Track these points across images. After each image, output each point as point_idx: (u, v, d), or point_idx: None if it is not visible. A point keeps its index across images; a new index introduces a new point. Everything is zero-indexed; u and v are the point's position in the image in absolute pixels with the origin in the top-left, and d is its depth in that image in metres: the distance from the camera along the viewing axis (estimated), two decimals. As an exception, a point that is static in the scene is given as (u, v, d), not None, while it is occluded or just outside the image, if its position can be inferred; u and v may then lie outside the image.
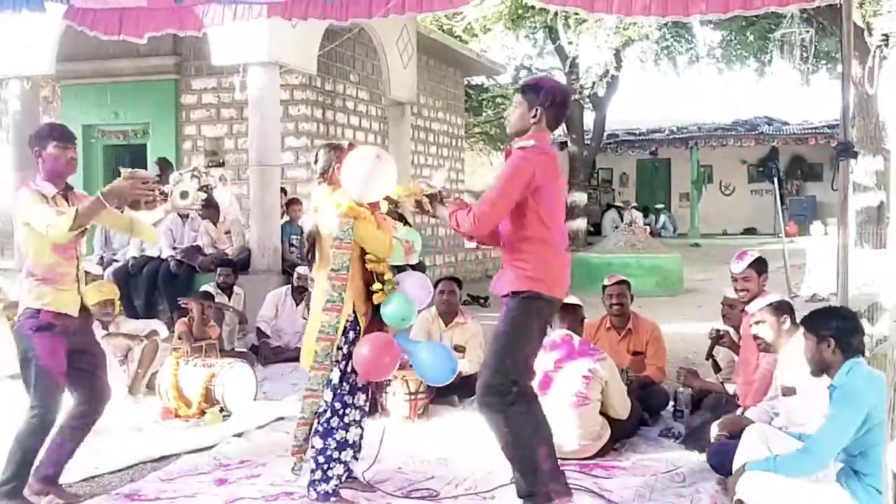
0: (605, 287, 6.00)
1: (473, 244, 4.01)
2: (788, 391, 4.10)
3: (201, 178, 4.36)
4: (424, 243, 13.06)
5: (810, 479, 3.55)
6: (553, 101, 3.69)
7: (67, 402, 4.19)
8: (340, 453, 4.03)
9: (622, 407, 4.98)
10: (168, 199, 4.18)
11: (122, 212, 4.15)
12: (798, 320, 4.10)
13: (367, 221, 3.99)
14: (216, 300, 7.86)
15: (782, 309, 4.31)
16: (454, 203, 3.80)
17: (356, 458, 4.21)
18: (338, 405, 4.03)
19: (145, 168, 12.33)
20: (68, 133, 4.14)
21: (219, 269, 8.16)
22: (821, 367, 3.64)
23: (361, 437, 4.21)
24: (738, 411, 4.49)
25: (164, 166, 10.31)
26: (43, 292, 4.00)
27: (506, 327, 3.63)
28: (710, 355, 5.46)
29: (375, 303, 4.02)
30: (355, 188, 3.95)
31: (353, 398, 4.10)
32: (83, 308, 4.17)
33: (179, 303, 7.09)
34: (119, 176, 3.95)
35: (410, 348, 4.13)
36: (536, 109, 3.67)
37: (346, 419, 4.06)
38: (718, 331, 5.30)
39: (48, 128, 4.20)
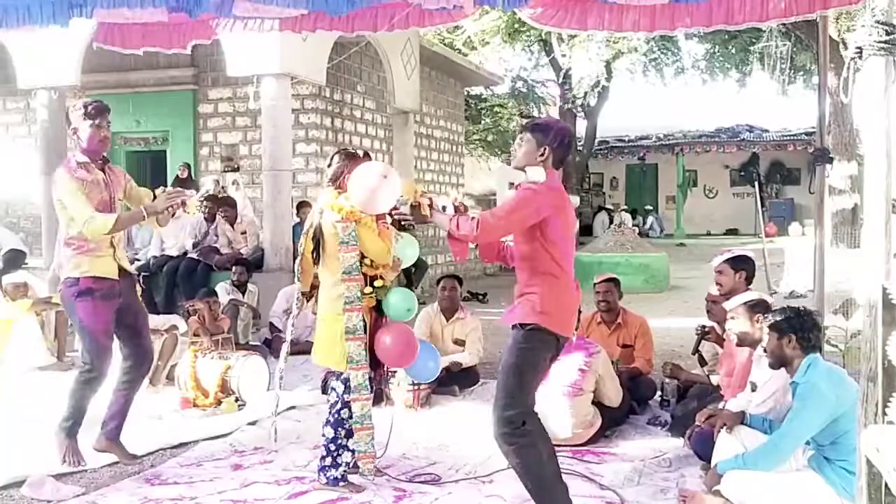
0: (594, 285, 6.00)
1: (455, 257, 3.93)
2: (753, 386, 4.12)
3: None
4: (427, 244, 13.02)
5: (784, 468, 3.57)
6: (560, 143, 3.61)
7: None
8: (348, 441, 4.04)
9: (615, 396, 5.00)
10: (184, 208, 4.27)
11: (160, 224, 4.33)
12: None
13: (368, 227, 3.98)
14: (232, 297, 7.87)
15: (757, 307, 4.31)
16: (458, 213, 3.75)
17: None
18: (347, 397, 4.03)
19: (165, 172, 12.37)
20: (101, 108, 4.20)
21: (234, 268, 8.18)
22: (781, 362, 3.68)
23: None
24: (721, 402, 4.49)
25: (187, 169, 10.46)
26: (80, 261, 4.07)
27: (512, 359, 3.51)
28: (696, 350, 5.44)
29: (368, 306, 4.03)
30: (360, 199, 3.94)
31: None
32: (123, 271, 4.22)
33: (186, 307, 7.09)
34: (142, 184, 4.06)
35: None
36: (544, 149, 3.59)
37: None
38: (704, 327, 5.29)
39: (82, 106, 4.24)
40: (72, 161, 4.13)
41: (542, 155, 3.60)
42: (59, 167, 4.14)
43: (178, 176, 11.38)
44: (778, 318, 3.71)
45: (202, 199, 9.18)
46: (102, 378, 4.21)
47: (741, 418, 3.87)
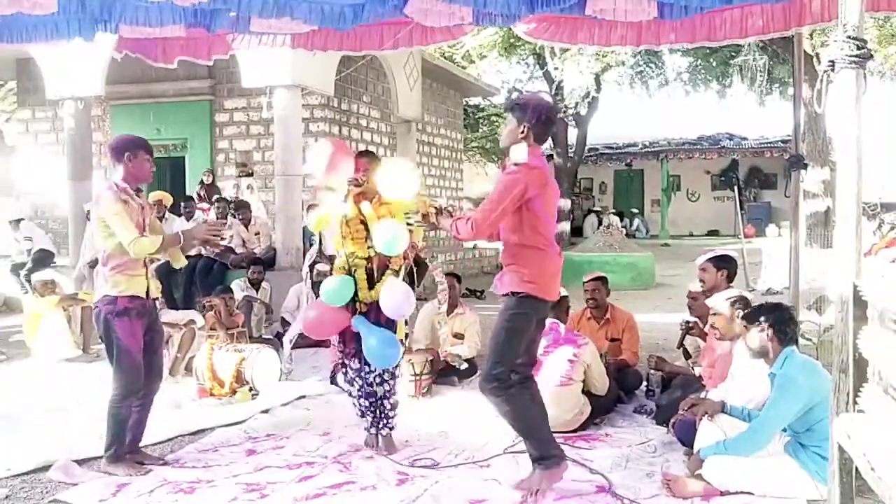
0: (584, 283, 6.00)
1: (471, 244, 4.04)
2: (733, 377, 4.11)
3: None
4: (429, 244, 13.00)
5: (761, 454, 3.57)
6: (539, 118, 3.61)
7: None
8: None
9: (602, 384, 5.00)
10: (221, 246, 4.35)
11: (190, 248, 4.48)
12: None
13: (337, 223, 4.26)
14: (246, 293, 7.87)
15: (738, 303, 4.31)
16: (455, 215, 3.81)
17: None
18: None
19: (184, 177, 12.37)
20: (151, 147, 4.29)
21: (251, 267, 8.18)
22: (760, 353, 3.68)
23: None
24: (703, 392, 4.48)
25: (212, 175, 10.47)
26: (118, 280, 4.04)
27: (503, 324, 3.61)
28: (681, 344, 5.44)
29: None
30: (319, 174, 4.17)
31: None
32: (149, 290, 4.22)
33: (204, 303, 7.09)
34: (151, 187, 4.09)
35: (364, 332, 4.15)
36: (524, 126, 3.60)
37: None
38: (688, 322, 5.28)
39: (139, 140, 4.26)
40: (114, 185, 4.11)
41: (523, 132, 3.60)
42: (104, 189, 4.11)
43: (202, 181, 11.32)
44: (757, 313, 3.71)
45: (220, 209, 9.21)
46: (136, 394, 4.14)
47: (722, 407, 3.87)
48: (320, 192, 4.36)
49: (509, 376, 3.60)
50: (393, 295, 4.12)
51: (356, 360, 4.36)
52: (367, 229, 4.24)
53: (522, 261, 3.58)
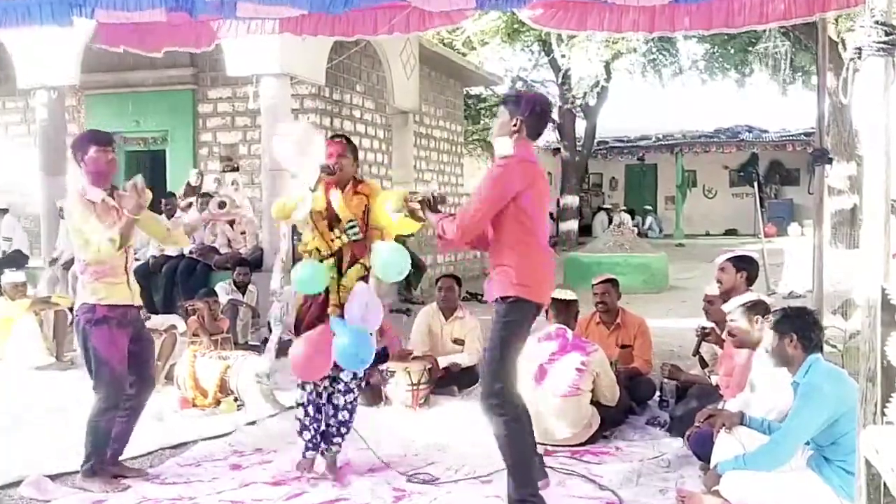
0: (593, 285, 6.00)
1: (442, 252, 4.02)
2: (752, 387, 4.11)
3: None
4: (427, 243, 13.02)
5: (783, 469, 3.57)
6: (532, 112, 3.65)
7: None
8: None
9: (612, 395, 5.00)
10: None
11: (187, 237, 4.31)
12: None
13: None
14: (231, 297, 7.87)
15: (756, 308, 4.31)
16: (440, 214, 3.76)
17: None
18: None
19: (165, 172, 12.36)
20: (107, 137, 4.20)
21: (236, 268, 8.18)
22: (783, 361, 3.67)
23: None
24: (721, 403, 4.49)
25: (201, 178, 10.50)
26: (97, 287, 4.04)
27: (501, 333, 3.60)
28: (696, 351, 5.43)
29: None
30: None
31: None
32: (134, 298, 4.21)
33: (186, 307, 7.09)
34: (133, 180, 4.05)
35: (337, 331, 4.04)
36: (517, 120, 3.64)
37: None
38: (704, 328, 5.28)
39: (88, 134, 4.25)
40: (82, 188, 4.10)
41: (515, 126, 3.64)
42: (71, 192, 4.11)
43: (189, 183, 11.20)
44: (779, 318, 3.71)
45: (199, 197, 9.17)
46: (117, 407, 4.14)
47: (740, 419, 3.87)
48: (288, 182, 4.36)
49: (512, 394, 3.58)
50: (357, 302, 4.01)
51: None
52: (334, 220, 4.16)
53: (510, 260, 3.59)
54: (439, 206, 3.83)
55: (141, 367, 4.25)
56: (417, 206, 3.81)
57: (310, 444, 4.32)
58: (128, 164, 12.64)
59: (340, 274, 4.17)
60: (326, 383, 4.29)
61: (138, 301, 4.25)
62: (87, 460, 4.13)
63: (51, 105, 9.81)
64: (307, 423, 4.30)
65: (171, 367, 6.27)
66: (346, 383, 4.28)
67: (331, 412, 4.32)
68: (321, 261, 4.17)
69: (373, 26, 5.54)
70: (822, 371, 3.54)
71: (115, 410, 4.13)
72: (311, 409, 4.30)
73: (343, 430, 4.33)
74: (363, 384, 4.39)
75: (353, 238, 4.13)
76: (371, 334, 4.11)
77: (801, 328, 3.61)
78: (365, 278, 4.17)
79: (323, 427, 4.32)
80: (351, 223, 4.13)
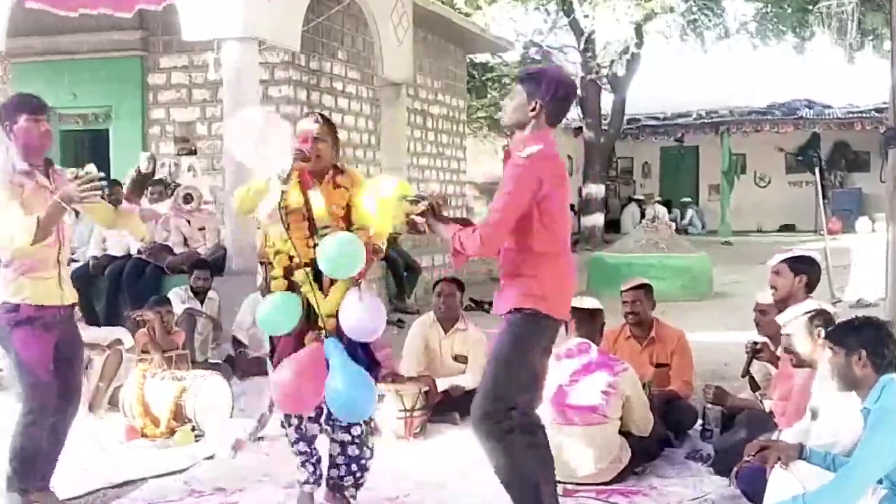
0: (622, 292, 6.00)
1: (455, 265, 3.96)
2: (814, 413, 4.11)
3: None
4: (423, 241, 13.02)
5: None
6: (555, 94, 3.68)
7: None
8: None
9: (645, 423, 5.01)
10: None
11: (76, 214, 4.23)
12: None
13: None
14: (188, 305, 7.86)
15: (817, 319, 4.30)
16: (451, 223, 3.74)
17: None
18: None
19: (108, 155, 12.36)
20: (41, 104, 4.18)
21: (195, 272, 8.16)
22: (850, 384, 3.65)
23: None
24: (775, 433, 4.49)
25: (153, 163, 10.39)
26: (21, 285, 4.07)
27: (506, 347, 3.64)
28: (746, 371, 5.43)
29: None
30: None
31: None
32: (66, 297, 4.23)
33: (134, 317, 7.09)
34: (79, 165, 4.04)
35: (332, 363, 3.97)
36: (536, 102, 3.66)
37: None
38: (756, 343, 5.28)
39: (17, 99, 4.23)
40: (10, 166, 4.10)
41: (534, 110, 3.66)
42: None
43: (139, 170, 11.15)
44: (845, 332, 3.71)
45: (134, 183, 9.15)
46: (45, 418, 4.19)
47: (799, 452, 3.86)
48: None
49: (509, 415, 3.60)
50: (353, 311, 3.98)
51: None
52: (313, 222, 4.12)
53: (530, 269, 3.63)
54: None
55: (66, 374, 4.29)
56: (418, 217, 3.76)
57: (310, 479, 4.37)
58: (63, 146, 12.65)
59: (320, 290, 4.09)
60: (319, 413, 4.25)
61: (70, 300, 4.27)
62: (9, 486, 4.18)
63: (-30, 75, 9.80)
64: (303, 459, 4.34)
65: (115, 389, 6.27)
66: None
67: (336, 450, 4.26)
68: (292, 269, 4.10)
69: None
70: (897, 394, 3.54)
71: (41, 424, 4.18)
72: (302, 446, 4.32)
73: (357, 470, 4.27)
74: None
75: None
76: (374, 377, 4.12)
77: (871, 343, 3.61)
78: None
79: (326, 458, 4.33)
80: (324, 229, 4.06)
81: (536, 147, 3.61)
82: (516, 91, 3.76)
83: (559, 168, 3.71)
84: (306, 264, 4.07)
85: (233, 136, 4.26)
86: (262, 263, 5.06)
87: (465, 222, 3.82)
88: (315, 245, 4.06)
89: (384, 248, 4.42)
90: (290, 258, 4.12)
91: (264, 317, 4.09)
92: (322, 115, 4.33)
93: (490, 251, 3.66)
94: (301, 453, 4.33)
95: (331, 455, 4.29)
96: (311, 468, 4.35)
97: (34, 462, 4.22)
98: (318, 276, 4.09)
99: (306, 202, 4.13)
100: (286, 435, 4.37)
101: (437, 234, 3.79)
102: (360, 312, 3.99)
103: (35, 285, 4.09)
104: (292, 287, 4.12)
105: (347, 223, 4.15)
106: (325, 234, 4.03)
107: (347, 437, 4.22)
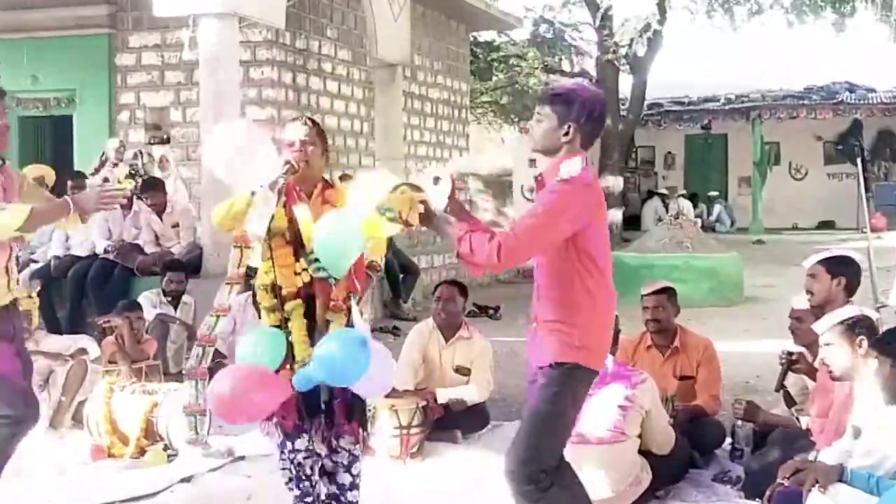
0: (643, 297, 6.00)
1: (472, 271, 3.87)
2: (856, 432, 4.11)
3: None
4: (423, 241, 12.99)
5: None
6: (590, 116, 3.67)
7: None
8: None
9: (666, 441, 5.00)
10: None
11: (84, 222, 4.27)
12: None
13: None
14: (160, 311, 7.86)
15: (857, 327, 4.29)
16: (463, 219, 3.67)
17: None
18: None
19: (71, 144, 12.35)
20: None
21: (168, 274, 8.15)
22: (894, 397, 3.65)
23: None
24: (813, 452, 4.48)
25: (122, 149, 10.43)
26: None
27: (546, 405, 3.65)
28: (781, 385, 5.42)
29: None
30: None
31: None
32: (14, 301, 4.24)
33: (101, 324, 7.09)
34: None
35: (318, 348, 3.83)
36: (569, 126, 3.65)
37: None
38: (791, 354, 5.27)
39: None
40: None
41: (567, 134, 3.67)
42: None
43: (104, 158, 11.07)
44: (892, 340, 3.70)
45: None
46: (28, 425, 4.22)
47: (839, 473, 3.87)
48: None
49: (547, 473, 3.63)
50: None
51: (301, 438, 4.09)
52: (299, 245, 3.98)
53: (571, 317, 3.63)
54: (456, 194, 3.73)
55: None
56: (423, 209, 3.63)
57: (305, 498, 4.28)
58: (22, 134, 12.65)
59: (313, 324, 3.99)
60: (313, 452, 4.14)
61: (24, 305, 4.31)
62: None
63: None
64: (293, 486, 4.23)
65: (79, 404, 6.26)
66: (349, 452, 4.14)
67: (334, 491, 4.19)
68: (281, 304, 3.99)
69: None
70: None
71: (18, 437, 4.20)
72: (295, 474, 4.20)
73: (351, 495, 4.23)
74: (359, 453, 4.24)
75: (319, 277, 3.88)
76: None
77: None
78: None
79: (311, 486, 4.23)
80: (314, 257, 3.87)
81: (575, 171, 3.59)
82: (544, 114, 3.72)
83: (599, 197, 3.71)
84: (296, 295, 3.97)
85: (211, 151, 4.18)
86: (228, 284, 4.94)
87: (477, 225, 3.61)
88: (299, 272, 3.95)
89: (381, 264, 4.33)
90: (275, 287, 4.00)
91: (245, 355, 3.98)
92: (310, 119, 4.22)
93: (506, 265, 3.61)
94: (290, 482, 4.20)
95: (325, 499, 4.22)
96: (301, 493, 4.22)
97: None
98: (310, 307, 4.00)
99: (290, 222, 3.99)
100: (282, 454, 4.24)
101: (440, 233, 3.67)
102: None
103: None
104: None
105: None
106: (317, 263, 3.85)
107: (347, 480, 4.18)
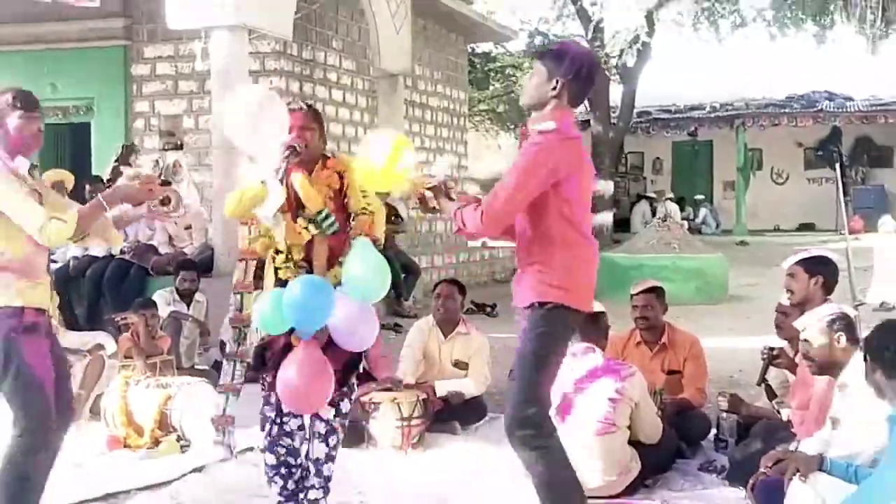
0: (632, 295, 6.00)
1: (478, 242, 4.00)
2: (835, 423, 4.11)
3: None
4: (421, 242, 12.99)
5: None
6: (578, 73, 3.66)
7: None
8: None
9: (655, 432, 5.01)
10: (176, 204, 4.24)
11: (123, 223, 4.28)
12: (861, 334, 4.10)
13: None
14: (174, 308, 7.86)
15: (835, 324, 4.30)
16: (461, 198, 3.78)
17: None
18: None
19: (88, 151, 12.36)
20: (33, 100, 4.11)
21: (181, 273, 8.16)
22: (877, 391, 3.65)
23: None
24: (794, 443, 4.49)
25: (129, 154, 10.34)
26: (21, 287, 3.91)
27: (534, 347, 3.64)
28: (763, 379, 5.43)
29: None
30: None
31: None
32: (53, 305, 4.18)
33: (117, 321, 7.08)
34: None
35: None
36: (557, 81, 3.65)
37: None
38: (772, 349, 5.28)
39: (10, 95, 4.15)
40: (3, 162, 4.04)
41: (555, 89, 3.66)
42: None
43: (117, 163, 11.01)
44: (878, 339, 3.69)
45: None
46: (50, 442, 4.00)
47: (819, 463, 3.86)
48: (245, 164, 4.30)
49: (547, 418, 3.63)
50: (344, 314, 3.93)
51: (296, 418, 4.18)
52: (298, 210, 4.10)
53: (547, 258, 3.63)
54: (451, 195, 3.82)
55: (63, 388, 4.18)
56: (430, 194, 3.77)
57: (282, 496, 4.28)
58: (43, 141, 12.61)
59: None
60: (296, 423, 4.21)
61: (53, 310, 4.24)
62: None
63: (-55, 66, 9.81)
64: (276, 469, 4.26)
65: (96, 398, 6.27)
66: (327, 422, 4.14)
67: (311, 469, 4.20)
68: (287, 265, 4.11)
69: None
70: (926, 402, 3.53)
71: (45, 449, 3.97)
72: (280, 450, 4.24)
73: (327, 484, 4.24)
74: (347, 422, 4.29)
75: (328, 231, 4.07)
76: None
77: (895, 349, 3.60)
78: None
79: (299, 474, 4.26)
80: (323, 214, 4.06)
81: (553, 124, 3.60)
82: (535, 69, 3.75)
83: (579, 151, 3.68)
84: (302, 253, 4.11)
85: (230, 116, 4.19)
86: (241, 261, 5.01)
87: (469, 200, 3.77)
88: (300, 231, 4.08)
89: (383, 239, 4.38)
90: (288, 255, 4.12)
91: (262, 318, 4.03)
92: (306, 103, 4.36)
93: (492, 230, 3.64)
94: (276, 462, 4.25)
95: (304, 472, 4.24)
96: (284, 482, 4.25)
97: (31, 499, 3.96)
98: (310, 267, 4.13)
99: (288, 188, 4.06)
100: (260, 447, 4.30)
101: (443, 211, 3.79)
102: (349, 315, 3.95)
103: (34, 289, 3.95)
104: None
105: (344, 212, 4.15)
106: (327, 220, 4.05)
107: (322, 454, 4.16)
